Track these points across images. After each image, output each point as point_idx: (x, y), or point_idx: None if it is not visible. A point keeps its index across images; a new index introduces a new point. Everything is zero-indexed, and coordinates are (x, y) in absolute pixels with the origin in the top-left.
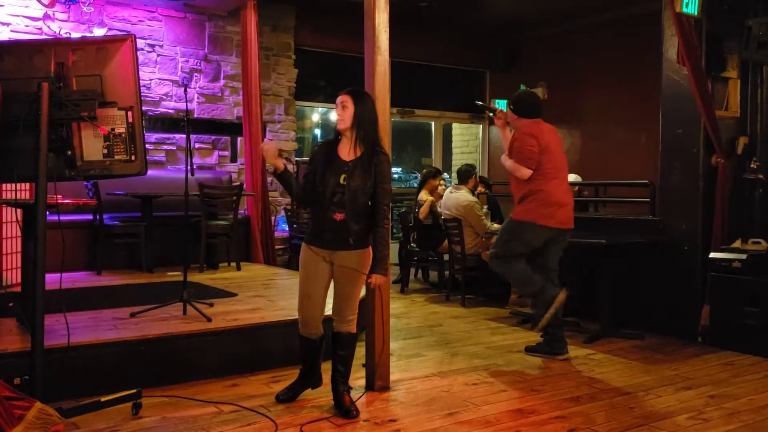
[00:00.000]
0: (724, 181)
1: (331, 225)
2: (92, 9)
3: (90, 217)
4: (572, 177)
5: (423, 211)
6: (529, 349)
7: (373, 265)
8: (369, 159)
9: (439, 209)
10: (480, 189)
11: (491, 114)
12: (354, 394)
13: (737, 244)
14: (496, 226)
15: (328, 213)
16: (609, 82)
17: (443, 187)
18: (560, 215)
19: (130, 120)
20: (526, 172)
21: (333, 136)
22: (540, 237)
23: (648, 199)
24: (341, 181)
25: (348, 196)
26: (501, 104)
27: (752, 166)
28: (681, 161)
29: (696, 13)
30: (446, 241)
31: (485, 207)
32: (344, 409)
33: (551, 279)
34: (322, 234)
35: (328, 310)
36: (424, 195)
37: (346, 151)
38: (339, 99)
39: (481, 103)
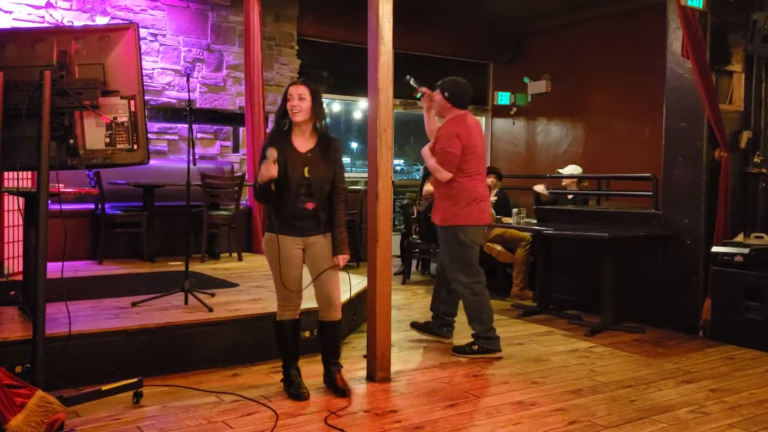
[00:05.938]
0: (727, 175)
1: (303, 213)
2: None
3: (92, 206)
4: (572, 168)
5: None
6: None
7: (336, 247)
8: (327, 147)
9: None
10: (491, 179)
11: (419, 96)
12: (355, 384)
13: (740, 238)
14: (506, 219)
15: (297, 203)
16: (613, 75)
17: None
18: (486, 211)
19: (133, 109)
20: (447, 175)
21: (276, 126)
22: (479, 235)
23: (651, 193)
24: (305, 173)
25: (315, 187)
26: (504, 96)
27: (755, 160)
28: (684, 155)
29: (701, 6)
30: None
31: (494, 197)
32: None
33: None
34: (294, 222)
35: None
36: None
37: (301, 142)
38: (295, 90)
39: (411, 78)
